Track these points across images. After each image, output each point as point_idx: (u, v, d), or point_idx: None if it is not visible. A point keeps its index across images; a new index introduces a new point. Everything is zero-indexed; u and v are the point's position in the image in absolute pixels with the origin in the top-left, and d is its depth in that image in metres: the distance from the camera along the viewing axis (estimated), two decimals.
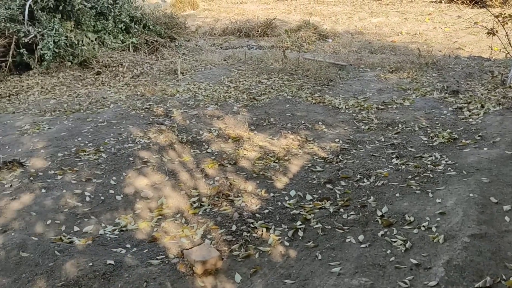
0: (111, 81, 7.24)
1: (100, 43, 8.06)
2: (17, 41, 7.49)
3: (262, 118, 5.36)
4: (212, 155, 4.43)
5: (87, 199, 3.66)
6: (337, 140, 4.61)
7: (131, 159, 4.34)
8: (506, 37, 6.42)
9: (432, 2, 15.39)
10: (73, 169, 4.16)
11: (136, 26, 8.65)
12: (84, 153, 4.50)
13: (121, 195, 3.71)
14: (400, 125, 4.85)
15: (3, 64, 7.51)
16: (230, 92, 6.45)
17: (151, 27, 8.98)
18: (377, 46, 9.36)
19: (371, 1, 16.57)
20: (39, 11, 7.74)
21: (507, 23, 6.31)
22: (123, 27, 8.52)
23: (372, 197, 3.49)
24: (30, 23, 7.67)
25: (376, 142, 4.49)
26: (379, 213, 3.24)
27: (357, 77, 6.97)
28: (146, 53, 8.45)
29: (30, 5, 7.74)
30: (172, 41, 9.36)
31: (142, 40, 8.63)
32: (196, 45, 9.69)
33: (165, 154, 4.44)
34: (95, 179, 3.98)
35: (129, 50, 8.34)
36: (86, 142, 4.77)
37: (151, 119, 5.47)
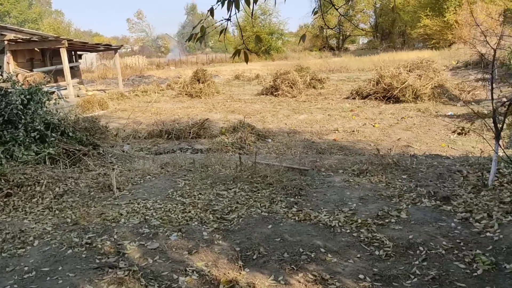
0: (26, 204, 5.65)
1: (8, 157, 6.48)
2: None
3: (248, 247, 4.26)
4: None
5: None
6: (361, 276, 3.65)
7: None
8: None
9: (346, 99, 16.03)
10: None
11: (53, 134, 7.23)
12: None
13: None
14: (421, 248, 4.07)
15: None
16: (189, 211, 5.29)
17: (70, 134, 7.60)
18: (322, 146, 8.94)
19: (287, 98, 16.85)
20: None
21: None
22: (37, 136, 7.05)
23: None
24: None
25: (411, 276, 3.61)
26: None
27: (325, 183, 6.26)
28: (67, 165, 6.97)
29: None
30: (95, 148, 8.01)
31: (60, 150, 7.18)
32: (123, 151, 8.43)
33: None
34: None
35: (45, 163, 6.82)
36: None
37: (97, 261, 4.07)
